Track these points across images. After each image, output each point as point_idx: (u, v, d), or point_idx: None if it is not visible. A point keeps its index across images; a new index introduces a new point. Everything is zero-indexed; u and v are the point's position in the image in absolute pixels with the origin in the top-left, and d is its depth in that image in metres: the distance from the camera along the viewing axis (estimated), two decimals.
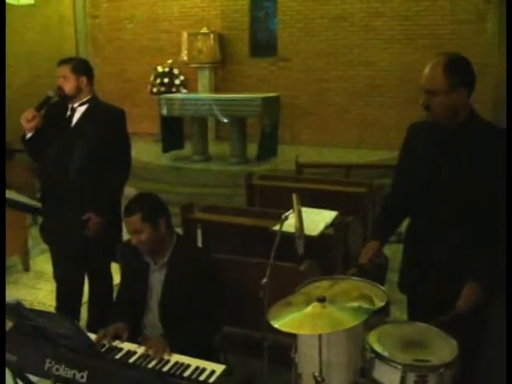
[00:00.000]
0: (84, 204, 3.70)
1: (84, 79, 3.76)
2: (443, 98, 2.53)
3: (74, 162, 3.69)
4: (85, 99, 3.78)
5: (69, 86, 3.72)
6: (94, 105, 3.82)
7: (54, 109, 3.86)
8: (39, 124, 3.71)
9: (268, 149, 8.47)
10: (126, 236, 4.08)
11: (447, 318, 2.51)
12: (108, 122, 3.78)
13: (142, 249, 3.00)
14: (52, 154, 3.76)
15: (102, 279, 4.09)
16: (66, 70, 3.72)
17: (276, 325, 2.22)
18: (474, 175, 2.54)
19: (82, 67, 3.80)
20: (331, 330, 2.21)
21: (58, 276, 4.03)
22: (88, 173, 3.69)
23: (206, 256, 3.18)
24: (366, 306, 2.29)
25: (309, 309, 2.26)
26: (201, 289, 2.94)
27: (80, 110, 3.78)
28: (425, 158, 2.68)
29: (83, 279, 4.04)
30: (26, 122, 3.65)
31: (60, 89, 3.74)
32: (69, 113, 3.79)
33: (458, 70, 2.54)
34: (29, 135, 3.72)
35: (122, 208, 4.01)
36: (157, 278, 3.04)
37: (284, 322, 2.23)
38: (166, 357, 2.61)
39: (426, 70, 2.58)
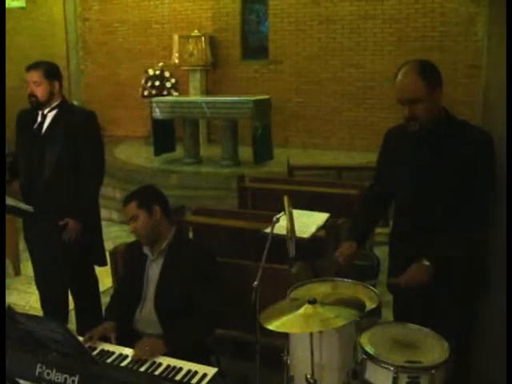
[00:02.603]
0: (60, 209, 3.67)
1: (57, 84, 3.69)
2: (426, 102, 2.54)
3: (46, 167, 3.65)
4: (54, 104, 3.71)
5: (42, 92, 3.63)
6: (64, 109, 3.74)
7: (25, 116, 3.81)
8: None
9: (263, 152, 8.46)
10: (107, 239, 4.11)
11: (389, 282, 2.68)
12: (78, 126, 3.69)
13: (140, 237, 3.07)
14: (25, 161, 3.74)
15: (85, 283, 4.01)
16: (38, 75, 3.62)
17: (268, 326, 2.23)
18: (459, 174, 2.54)
19: (54, 71, 3.71)
20: (322, 328, 2.22)
21: (40, 283, 3.98)
22: (61, 177, 3.65)
23: (204, 247, 3.23)
24: (356, 307, 2.29)
25: (300, 311, 2.27)
26: (198, 280, 2.94)
27: (50, 116, 3.71)
28: (408, 161, 2.68)
29: (66, 285, 3.97)
30: None
31: (32, 96, 3.65)
32: (39, 119, 3.72)
33: (430, 71, 2.57)
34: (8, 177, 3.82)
35: (101, 210, 4.08)
36: (154, 269, 3.07)
37: (276, 323, 2.23)
38: (157, 359, 2.60)
39: (401, 81, 2.58)
